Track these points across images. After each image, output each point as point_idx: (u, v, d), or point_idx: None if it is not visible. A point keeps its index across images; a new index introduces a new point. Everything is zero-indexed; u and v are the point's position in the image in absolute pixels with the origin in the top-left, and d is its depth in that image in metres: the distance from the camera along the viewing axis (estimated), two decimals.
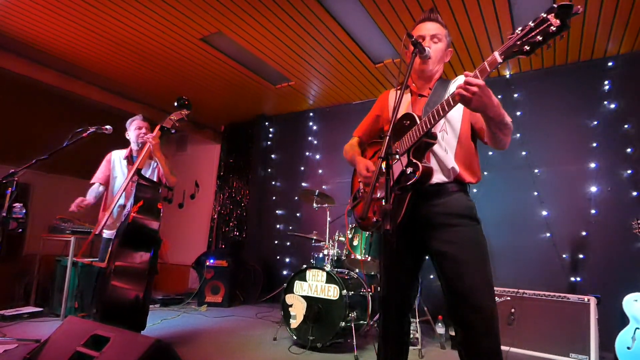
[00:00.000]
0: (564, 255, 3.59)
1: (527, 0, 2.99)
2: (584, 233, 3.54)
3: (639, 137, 3.46)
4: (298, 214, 5.37)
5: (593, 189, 3.57)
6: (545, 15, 1.10)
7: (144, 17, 3.47)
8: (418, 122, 1.46)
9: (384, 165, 1.22)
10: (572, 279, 3.51)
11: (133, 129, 2.93)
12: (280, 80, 4.69)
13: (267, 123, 5.91)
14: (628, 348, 2.67)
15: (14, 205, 2.48)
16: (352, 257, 3.25)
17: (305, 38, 3.73)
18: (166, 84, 4.82)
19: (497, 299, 3.24)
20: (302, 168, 5.46)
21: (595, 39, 3.47)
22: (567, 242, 3.61)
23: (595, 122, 3.66)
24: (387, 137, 1.23)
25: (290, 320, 3.13)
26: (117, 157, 2.96)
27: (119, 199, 2.65)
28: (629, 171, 3.46)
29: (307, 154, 5.46)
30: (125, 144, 2.99)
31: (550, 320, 3.00)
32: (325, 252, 3.38)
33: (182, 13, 3.40)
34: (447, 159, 1.53)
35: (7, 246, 2.48)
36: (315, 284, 3.11)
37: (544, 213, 3.73)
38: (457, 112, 1.57)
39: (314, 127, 5.51)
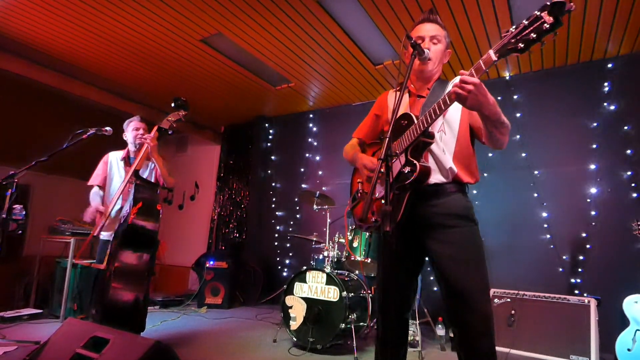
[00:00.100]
0: (564, 257, 3.59)
1: (527, 0, 3.00)
2: (584, 234, 3.54)
3: (639, 138, 3.46)
4: (298, 215, 5.37)
5: (593, 190, 3.57)
6: (538, 13, 1.11)
7: (144, 18, 3.48)
8: (415, 121, 1.47)
9: (383, 166, 1.22)
10: (572, 280, 3.51)
11: (130, 130, 2.93)
12: (280, 81, 4.70)
13: (267, 124, 5.91)
14: (628, 350, 2.67)
15: (14, 206, 2.49)
16: (352, 258, 3.24)
17: (305, 39, 3.73)
18: (166, 84, 4.83)
19: (497, 300, 3.24)
20: (302, 169, 5.46)
21: (595, 39, 3.47)
22: (567, 243, 3.61)
23: (595, 124, 3.66)
24: (387, 139, 1.23)
25: (290, 321, 3.13)
26: (114, 158, 2.96)
27: (117, 200, 2.65)
28: (629, 172, 3.45)
29: (307, 155, 5.46)
30: (123, 144, 2.99)
31: (550, 321, 3.00)
32: (325, 253, 3.37)
33: (182, 14, 3.40)
34: (445, 159, 1.53)
35: (7, 247, 2.48)
36: (315, 286, 3.11)
37: (544, 214, 3.73)
38: (456, 113, 1.58)
39: (314, 129, 5.51)
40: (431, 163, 1.54)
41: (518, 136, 3.88)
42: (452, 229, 1.47)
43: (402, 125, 1.52)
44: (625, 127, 3.52)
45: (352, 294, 3.02)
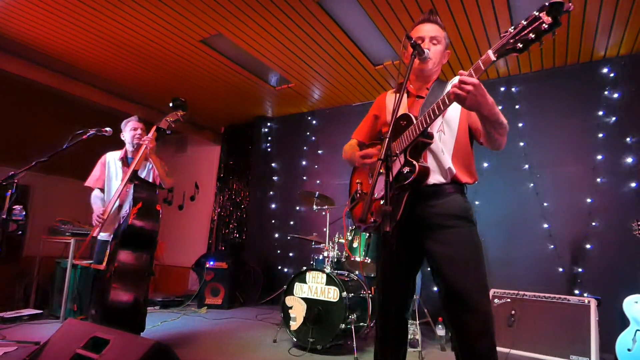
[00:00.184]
0: (564, 257, 3.59)
1: (527, 1, 3.00)
2: (584, 234, 3.54)
3: (639, 138, 3.46)
4: (298, 216, 5.37)
5: (593, 190, 3.57)
6: (537, 14, 1.12)
7: (144, 18, 3.48)
8: (414, 122, 1.47)
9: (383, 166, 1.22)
10: (572, 280, 3.51)
11: (128, 130, 2.92)
12: (280, 82, 4.70)
13: (267, 124, 5.92)
14: (628, 350, 2.66)
15: (14, 207, 2.48)
16: (352, 259, 3.24)
17: (305, 40, 3.73)
18: (166, 85, 4.83)
19: (497, 300, 3.23)
20: (302, 170, 5.47)
21: (594, 40, 3.47)
22: (567, 244, 3.60)
23: (595, 124, 3.66)
24: (387, 139, 1.23)
25: (290, 322, 3.13)
26: (112, 159, 2.95)
27: (115, 201, 2.65)
28: (629, 172, 3.45)
29: (307, 155, 5.46)
30: (123, 145, 2.99)
31: (550, 322, 3.00)
32: (325, 253, 3.37)
33: (182, 15, 3.41)
34: (444, 159, 1.54)
35: (7, 248, 2.47)
36: (315, 286, 3.11)
37: (544, 214, 3.73)
38: (455, 113, 1.58)
39: (314, 129, 5.51)
40: (430, 163, 1.54)
41: (518, 136, 3.88)
42: (451, 230, 1.47)
43: (401, 126, 1.52)
44: (625, 127, 3.52)
45: (352, 294, 3.02)
